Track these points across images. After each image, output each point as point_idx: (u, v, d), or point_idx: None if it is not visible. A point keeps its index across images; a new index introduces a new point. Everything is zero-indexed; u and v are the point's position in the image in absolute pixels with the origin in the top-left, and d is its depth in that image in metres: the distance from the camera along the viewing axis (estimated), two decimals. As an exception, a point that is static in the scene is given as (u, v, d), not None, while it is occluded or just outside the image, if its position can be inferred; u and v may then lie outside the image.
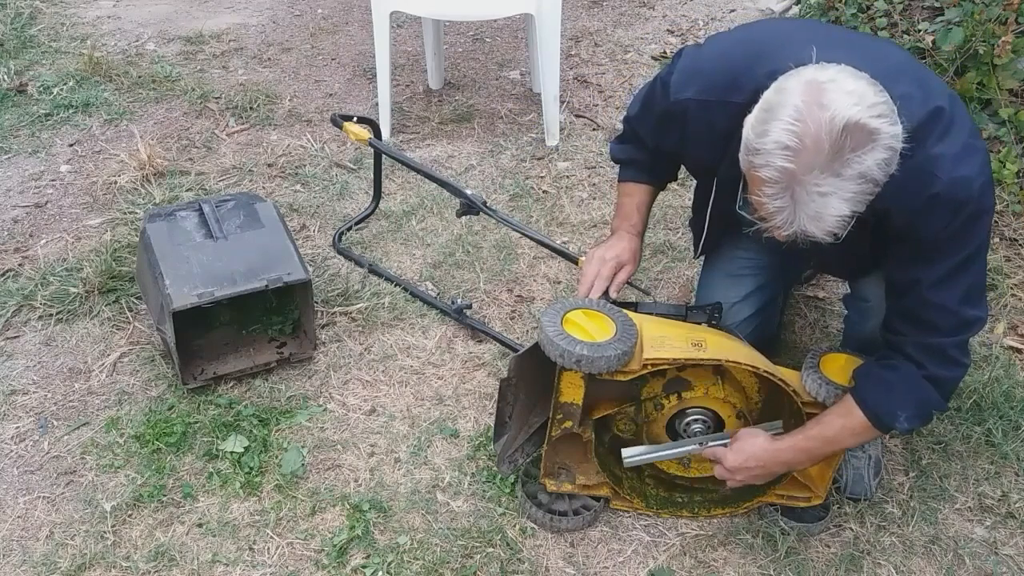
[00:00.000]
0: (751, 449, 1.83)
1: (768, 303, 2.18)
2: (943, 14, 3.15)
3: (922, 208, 1.56)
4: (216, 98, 3.47)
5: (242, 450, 2.13)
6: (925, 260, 1.62)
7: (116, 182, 2.98)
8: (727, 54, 1.74)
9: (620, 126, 2.36)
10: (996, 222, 2.82)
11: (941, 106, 1.58)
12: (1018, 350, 2.48)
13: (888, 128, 1.40)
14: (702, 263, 2.26)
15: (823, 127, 1.38)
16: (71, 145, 3.20)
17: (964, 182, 1.55)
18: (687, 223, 2.82)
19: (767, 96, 1.47)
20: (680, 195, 2.99)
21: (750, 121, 1.47)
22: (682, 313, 1.99)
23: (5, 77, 3.47)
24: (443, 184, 2.55)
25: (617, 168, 2.13)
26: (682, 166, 2.10)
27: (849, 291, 2.09)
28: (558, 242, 2.57)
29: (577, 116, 3.47)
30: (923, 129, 1.53)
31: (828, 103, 1.38)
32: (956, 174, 1.54)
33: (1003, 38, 2.90)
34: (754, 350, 1.90)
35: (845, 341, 2.09)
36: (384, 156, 2.74)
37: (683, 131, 1.80)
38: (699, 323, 1.98)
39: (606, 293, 1.98)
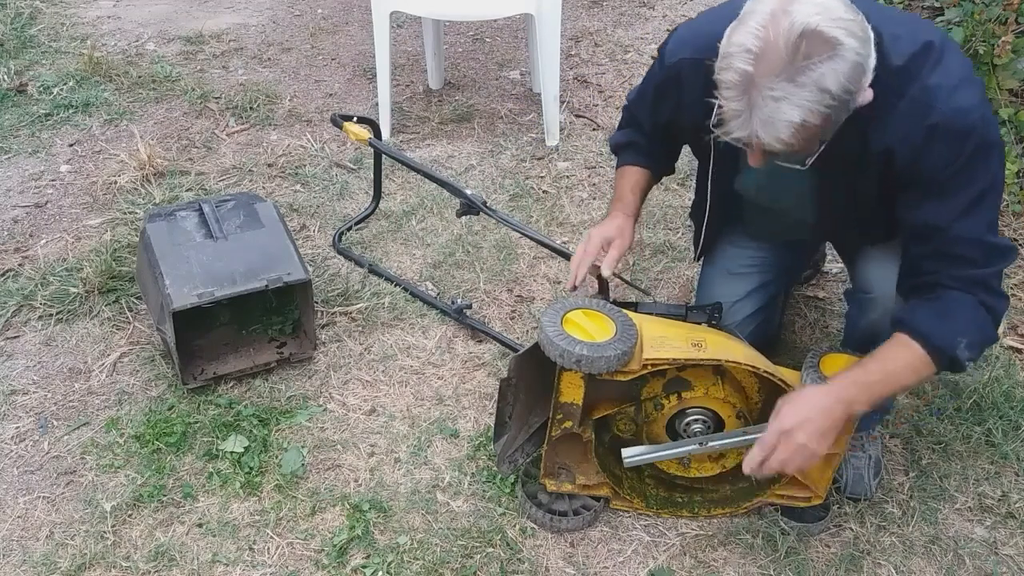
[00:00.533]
0: (807, 398, 1.67)
1: (769, 301, 2.18)
2: (943, 14, 3.16)
3: (923, 141, 1.57)
4: (216, 98, 3.47)
5: (242, 450, 2.13)
6: (939, 197, 1.61)
7: (116, 182, 2.98)
8: (719, 18, 1.73)
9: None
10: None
11: (931, 40, 1.59)
12: (1018, 350, 2.48)
13: (849, 41, 1.41)
14: (703, 262, 2.26)
15: (782, 33, 1.41)
16: (71, 145, 3.20)
17: (963, 112, 1.56)
18: (687, 222, 2.82)
19: (746, 6, 1.49)
20: (680, 195, 2.99)
21: (727, 31, 1.50)
22: (682, 313, 1.99)
23: (5, 77, 3.47)
24: (443, 184, 2.54)
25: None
26: (679, 157, 2.11)
27: (851, 285, 2.09)
28: (558, 242, 2.57)
29: (577, 116, 3.47)
30: (915, 61, 1.56)
31: (792, 11, 1.41)
32: (954, 104, 1.55)
33: (1003, 38, 2.90)
34: (754, 350, 1.90)
35: (845, 340, 2.08)
36: (384, 156, 2.74)
37: (679, 96, 1.82)
38: (699, 323, 1.98)
39: (604, 285, 1.97)
